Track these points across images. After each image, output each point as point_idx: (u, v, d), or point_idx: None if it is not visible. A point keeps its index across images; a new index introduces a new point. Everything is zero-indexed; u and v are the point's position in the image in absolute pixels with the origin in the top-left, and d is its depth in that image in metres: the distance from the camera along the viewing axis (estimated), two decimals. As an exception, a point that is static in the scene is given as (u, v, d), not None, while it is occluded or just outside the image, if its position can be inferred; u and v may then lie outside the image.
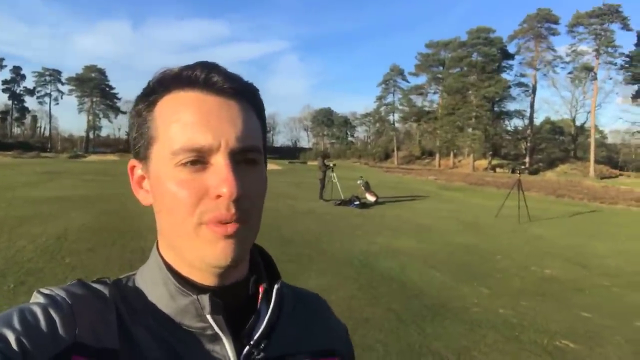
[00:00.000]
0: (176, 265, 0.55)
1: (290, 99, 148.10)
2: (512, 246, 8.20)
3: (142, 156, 0.56)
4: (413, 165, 58.51)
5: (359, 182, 15.14)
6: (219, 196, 0.49)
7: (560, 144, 56.14)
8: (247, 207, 0.52)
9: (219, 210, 0.50)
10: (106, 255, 6.11)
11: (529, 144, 52.37)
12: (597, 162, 45.89)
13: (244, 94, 0.55)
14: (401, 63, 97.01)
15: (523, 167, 38.93)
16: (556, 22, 50.83)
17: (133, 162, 0.58)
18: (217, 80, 0.53)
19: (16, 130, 75.35)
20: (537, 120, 56.63)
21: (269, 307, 0.58)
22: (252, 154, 0.53)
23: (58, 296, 0.51)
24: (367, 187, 14.73)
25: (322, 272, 5.84)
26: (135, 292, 0.56)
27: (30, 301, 0.51)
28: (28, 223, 8.13)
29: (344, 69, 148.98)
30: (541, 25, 51.02)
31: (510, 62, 54.77)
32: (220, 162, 0.50)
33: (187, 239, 0.51)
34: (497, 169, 48.86)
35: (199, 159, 0.50)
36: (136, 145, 0.56)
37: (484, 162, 52.55)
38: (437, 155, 59.74)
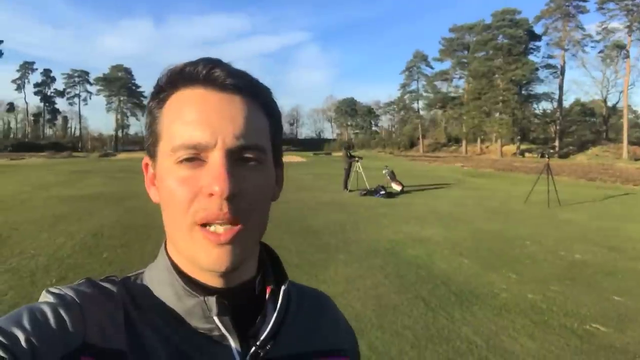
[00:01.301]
0: (182, 265, 0.55)
1: (313, 91, 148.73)
2: (541, 231, 8.10)
3: (152, 153, 0.56)
4: (439, 152, 58.06)
5: (384, 171, 15.11)
6: (211, 194, 0.48)
7: (591, 125, 54.70)
8: (244, 208, 0.50)
9: (211, 209, 0.49)
10: (141, 250, 6.33)
11: (558, 127, 51.19)
12: (630, 143, 44.53)
13: (248, 90, 0.54)
14: (424, 49, 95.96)
15: (552, 151, 38.06)
16: (585, 0, 49.31)
17: (146, 159, 0.59)
18: (218, 76, 0.52)
19: (48, 131, 77.83)
20: (567, 103, 55.45)
21: (275, 307, 0.57)
22: (251, 153, 0.52)
23: (67, 295, 0.51)
24: (393, 177, 14.69)
25: (349, 262, 5.91)
26: (143, 291, 0.56)
27: (40, 300, 0.51)
28: (65, 221, 8.45)
29: (366, 58, 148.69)
30: (569, 3, 49.62)
31: (538, 43, 53.61)
32: (215, 160, 0.49)
33: (183, 239, 0.51)
34: (526, 154, 47.96)
35: (196, 157, 0.50)
36: (147, 142, 0.57)
37: (512, 148, 51.64)
38: (464, 142, 58.99)
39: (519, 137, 51.64)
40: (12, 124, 79.87)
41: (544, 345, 3.60)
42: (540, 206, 11.12)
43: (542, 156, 15.02)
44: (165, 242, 0.59)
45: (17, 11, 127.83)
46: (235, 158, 0.50)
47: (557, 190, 11.54)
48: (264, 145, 0.54)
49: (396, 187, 14.26)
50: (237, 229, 0.50)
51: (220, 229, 0.49)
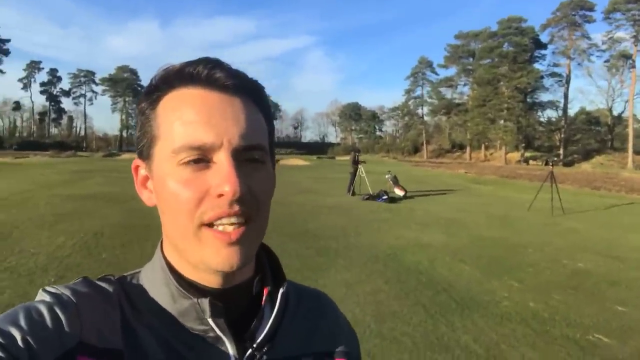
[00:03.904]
0: (179, 267, 0.54)
1: (318, 94, 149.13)
2: (543, 239, 8.03)
3: (145, 155, 0.54)
4: (443, 158, 57.98)
5: (387, 176, 15.06)
6: (220, 195, 0.48)
7: (596, 134, 54.42)
8: (252, 206, 0.50)
9: (220, 208, 0.48)
10: (140, 251, 6.30)
11: (563, 136, 51.08)
12: (635, 152, 44.26)
13: (247, 91, 0.54)
14: (430, 55, 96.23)
15: (556, 159, 37.95)
16: (591, 9, 49.36)
17: (137, 161, 0.57)
18: (219, 77, 0.51)
19: (53, 130, 78.21)
20: (572, 111, 55.34)
21: (272, 309, 0.57)
22: (255, 153, 0.52)
23: (64, 295, 0.50)
24: (396, 182, 14.64)
25: (349, 266, 5.86)
26: (139, 291, 0.55)
27: (36, 299, 0.50)
28: (66, 220, 8.43)
29: (371, 63, 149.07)
30: (575, 12, 49.61)
31: (543, 51, 53.62)
32: (222, 161, 0.49)
33: (189, 242, 0.50)
34: (530, 162, 47.81)
35: (201, 158, 0.49)
36: (139, 144, 0.55)
37: (516, 155, 51.56)
38: (468, 148, 58.92)
39: (523, 145, 51.54)
40: (18, 123, 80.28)
41: (546, 355, 3.54)
42: (543, 214, 11.04)
43: (547, 164, 14.93)
44: (161, 242, 0.58)
45: (24, 10, 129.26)
46: (240, 158, 0.50)
47: (561, 198, 11.45)
48: (265, 144, 0.54)
49: (399, 192, 14.21)
50: (246, 227, 0.49)
51: (229, 228, 0.49)
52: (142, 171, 0.57)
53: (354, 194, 14.32)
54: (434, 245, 7.29)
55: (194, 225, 0.49)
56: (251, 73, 0.56)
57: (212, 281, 0.53)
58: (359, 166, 15.14)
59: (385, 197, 13.18)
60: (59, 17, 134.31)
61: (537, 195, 11.96)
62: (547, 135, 54.81)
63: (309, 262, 6.01)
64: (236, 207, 0.48)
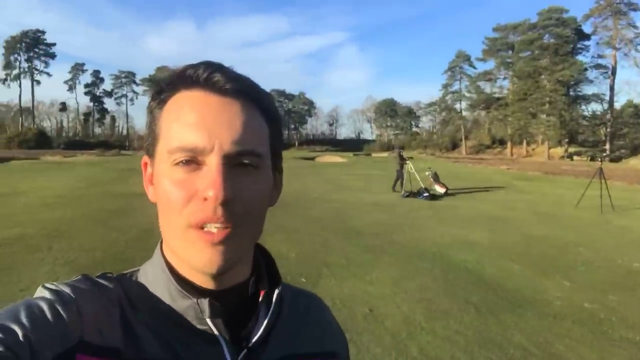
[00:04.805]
0: (177, 266, 0.55)
1: (352, 91, 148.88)
2: (595, 238, 7.80)
3: (151, 153, 0.56)
4: (483, 154, 56.74)
5: (427, 173, 14.88)
6: (206, 199, 0.48)
7: (646, 128, 51.96)
8: (239, 212, 0.50)
9: (205, 213, 0.48)
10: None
11: (609, 130, 49.02)
12: (688, 146, 42.15)
13: (248, 95, 0.54)
14: (467, 48, 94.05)
15: (604, 154, 36.50)
16: (639, -3, 47.11)
17: (145, 158, 0.59)
18: (218, 80, 0.52)
19: (97, 130, 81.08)
20: (618, 104, 52.79)
21: (268, 310, 0.58)
22: (248, 158, 0.51)
23: (64, 292, 0.50)
24: (436, 179, 14.46)
25: (395, 264, 5.87)
26: (138, 290, 0.56)
27: (36, 295, 0.51)
28: (118, 216, 8.77)
29: (406, 57, 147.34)
30: (620, 0, 47.48)
31: (586, 42, 51.64)
32: (211, 164, 0.49)
33: (177, 240, 0.51)
34: (575, 157, 46.19)
35: (193, 159, 0.50)
36: (146, 142, 0.57)
37: (559, 150, 49.91)
38: (509, 144, 57.40)
39: (566, 140, 49.83)
40: (64, 123, 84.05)
41: (605, 356, 3.47)
42: (592, 211, 10.70)
43: (593, 159, 14.41)
44: (161, 242, 0.59)
45: (66, 14, 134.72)
46: (232, 163, 0.50)
47: (611, 195, 11.07)
48: (261, 151, 0.53)
49: (440, 190, 14.03)
50: (231, 230, 0.49)
51: (213, 229, 0.49)
52: (149, 168, 0.58)
53: (399, 191, 14.17)
54: (480, 243, 7.19)
55: (181, 224, 0.50)
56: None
57: (207, 282, 0.54)
58: (407, 163, 14.97)
59: (426, 194, 13.05)
60: (99, 20, 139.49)
61: (585, 192, 11.60)
62: (591, 130, 52.77)
63: (356, 259, 6.05)
64: (220, 212, 0.48)
